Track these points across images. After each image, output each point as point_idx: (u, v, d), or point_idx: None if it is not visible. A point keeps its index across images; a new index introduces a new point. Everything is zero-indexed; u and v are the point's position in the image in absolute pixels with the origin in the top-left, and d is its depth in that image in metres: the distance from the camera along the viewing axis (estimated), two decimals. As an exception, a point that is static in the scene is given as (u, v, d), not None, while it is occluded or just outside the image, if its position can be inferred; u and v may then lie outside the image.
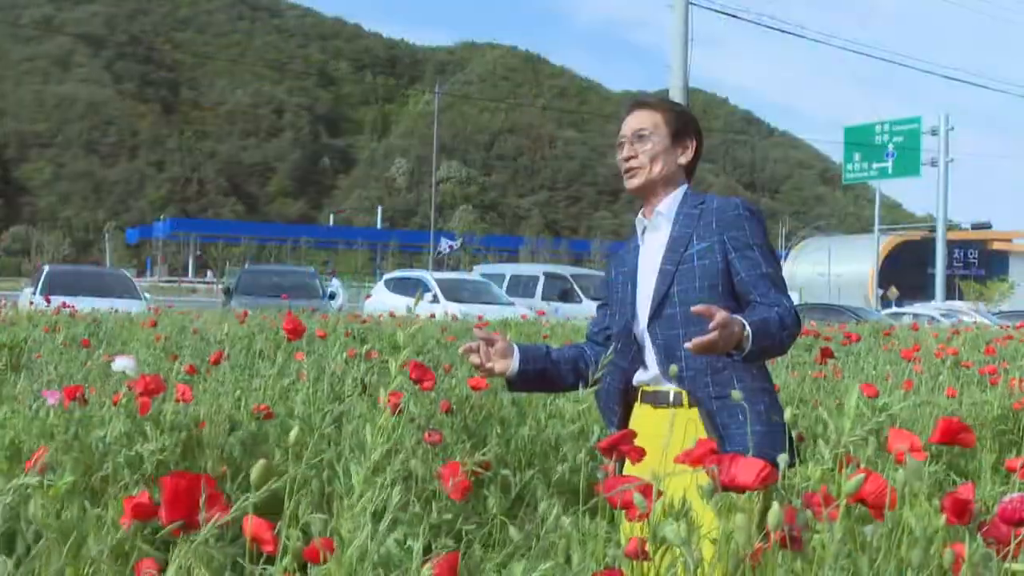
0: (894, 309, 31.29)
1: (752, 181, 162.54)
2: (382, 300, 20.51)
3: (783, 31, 24.13)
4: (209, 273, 77.84)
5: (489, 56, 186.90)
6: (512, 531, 1.57)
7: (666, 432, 2.38)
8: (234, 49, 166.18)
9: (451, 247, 54.82)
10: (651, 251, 2.63)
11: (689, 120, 2.71)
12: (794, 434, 2.93)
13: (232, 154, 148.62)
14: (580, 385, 2.80)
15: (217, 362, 3.81)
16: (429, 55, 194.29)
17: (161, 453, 2.79)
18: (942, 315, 25.56)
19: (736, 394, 2.10)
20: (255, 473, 1.48)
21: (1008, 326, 15.54)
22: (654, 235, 2.65)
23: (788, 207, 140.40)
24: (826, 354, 4.38)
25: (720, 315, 2.16)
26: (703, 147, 2.73)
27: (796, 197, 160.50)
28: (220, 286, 55.19)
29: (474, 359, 2.60)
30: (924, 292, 51.73)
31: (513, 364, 2.63)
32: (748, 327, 2.24)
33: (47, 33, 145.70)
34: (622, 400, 2.63)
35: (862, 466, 1.87)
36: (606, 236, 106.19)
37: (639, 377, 2.59)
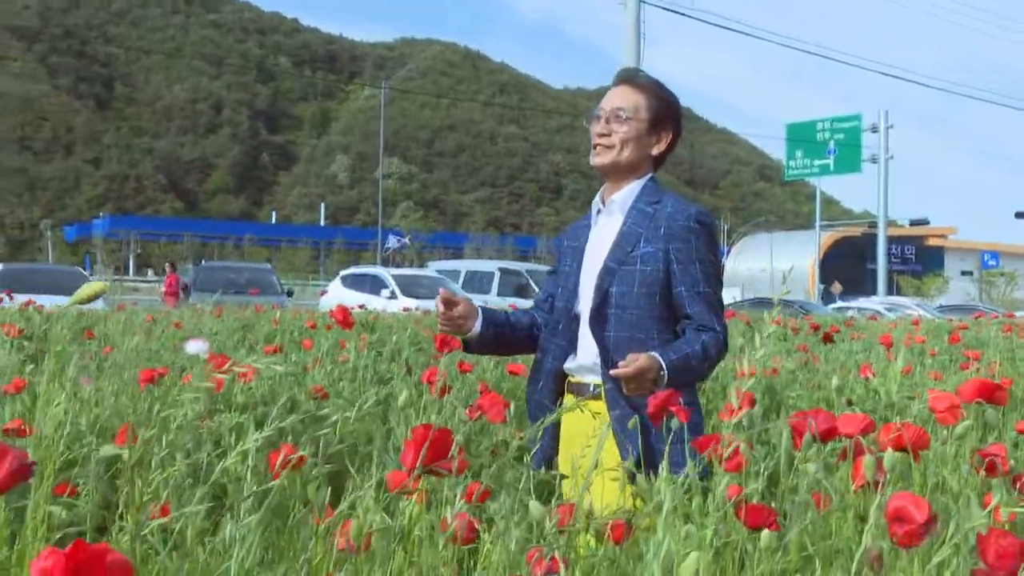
0: (838, 304, 31.92)
1: (691, 178, 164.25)
2: (339, 296, 20.57)
3: (733, 30, 24.53)
4: (150, 272, 76.87)
5: (429, 52, 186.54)
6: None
7: (585, 423, 2.42)
8: (170, 44, 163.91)
9: (399, 244, 54.90)
10: (602, 236, 2.65)
11: (671, 110, 2.67)
12: (843, 400, 3.15)
13: (170, 150, 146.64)
14: (532, 351, 2.83)
15: (274, 352, 3.97)
16: (368, 51, 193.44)
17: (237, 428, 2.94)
18: (886, 309, 26.15)
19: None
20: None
21: (953, 319, 16.02)
22: (608, 220, 2.66)
23: (727, 203, 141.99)
24: (827, 338, 4.64)
25: (633, 366, 2.25)
26: (680, 139, 2.70)
27: (735, 193, 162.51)
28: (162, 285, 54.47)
29: (445, 325, 2.64)
30: (863, 287, 52.71)
31: (476, 326, 2.65)
32: (665, 368, 2.32)
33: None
34: (562, 381, 2.66)
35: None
36: (550, 233, 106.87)
37: (568, 364, 2.63)
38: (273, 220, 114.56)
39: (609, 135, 2.60)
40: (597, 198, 2.71)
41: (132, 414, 2.91)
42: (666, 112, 2.63)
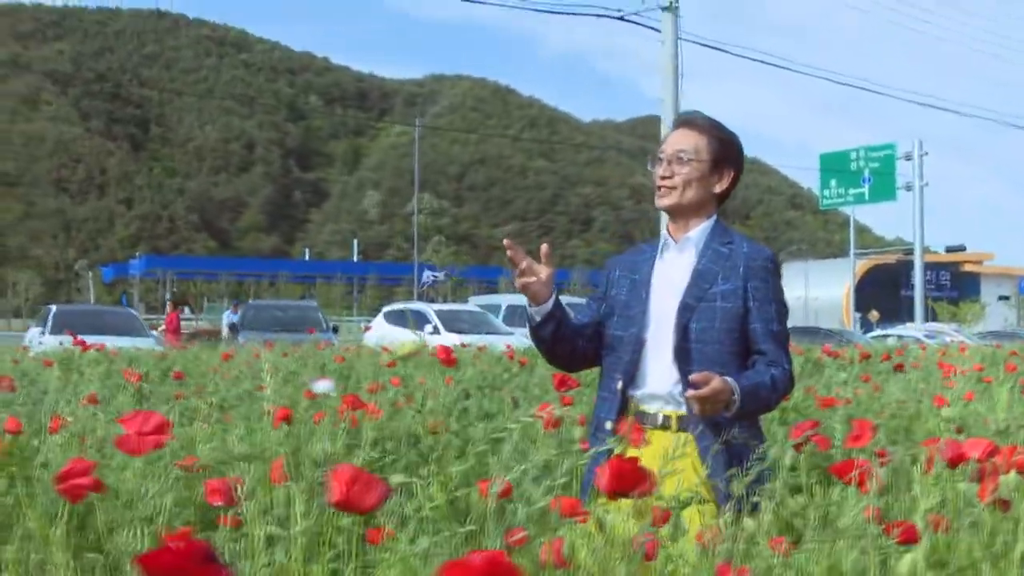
0: (877, 332, 31.84)
1: (723, 208, 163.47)
2: (382, 333, 20.80)
3: (769, 64, 24.74)
4: (187, 310, 77.64)
5: (458, 88, 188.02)
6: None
7: (653, 451, 2.44)
8: (202, 85, 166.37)
9: (434, 279, 55.23)
10: (671, 271, 2.71)
11: (731, 149, 2.74)
12: (953, 427, 3.31)
13: (202, 190, 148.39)
14: (570, 364, 2.90)
15: (375, 391, 4.19)
16: (398, 88, 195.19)
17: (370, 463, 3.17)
18: (926, 336, 26.07)
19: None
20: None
21: (1000, 345, 16.00)
22: (677, 256, 2.72)
23: (759, 233, 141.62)
24: (898, 367, 4.81)
25: (709, 387, 2.34)
26: (742, 175, 2.80)
27: (767, 223, 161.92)
28: (199, 323, 55.14)
29: (525, 278, 2.60)
30: (898, 315, 52.51)
31: (549, 302, 2.64)
32: (738, 392, 2.41)
33: (14, 71, 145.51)
34: (623, 405, 2.67)
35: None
36: (582, 265, 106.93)
37: (634, 391, 2.66)
38: (307, 257, 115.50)
39: (671, 176, 2.68)
40: (665, 232, 2.78)
41: (281, 448, 3.12)
42: (726, 152, 2.72)
